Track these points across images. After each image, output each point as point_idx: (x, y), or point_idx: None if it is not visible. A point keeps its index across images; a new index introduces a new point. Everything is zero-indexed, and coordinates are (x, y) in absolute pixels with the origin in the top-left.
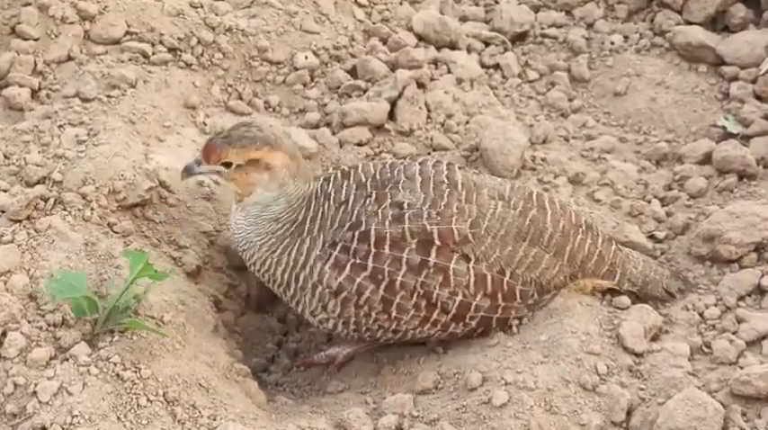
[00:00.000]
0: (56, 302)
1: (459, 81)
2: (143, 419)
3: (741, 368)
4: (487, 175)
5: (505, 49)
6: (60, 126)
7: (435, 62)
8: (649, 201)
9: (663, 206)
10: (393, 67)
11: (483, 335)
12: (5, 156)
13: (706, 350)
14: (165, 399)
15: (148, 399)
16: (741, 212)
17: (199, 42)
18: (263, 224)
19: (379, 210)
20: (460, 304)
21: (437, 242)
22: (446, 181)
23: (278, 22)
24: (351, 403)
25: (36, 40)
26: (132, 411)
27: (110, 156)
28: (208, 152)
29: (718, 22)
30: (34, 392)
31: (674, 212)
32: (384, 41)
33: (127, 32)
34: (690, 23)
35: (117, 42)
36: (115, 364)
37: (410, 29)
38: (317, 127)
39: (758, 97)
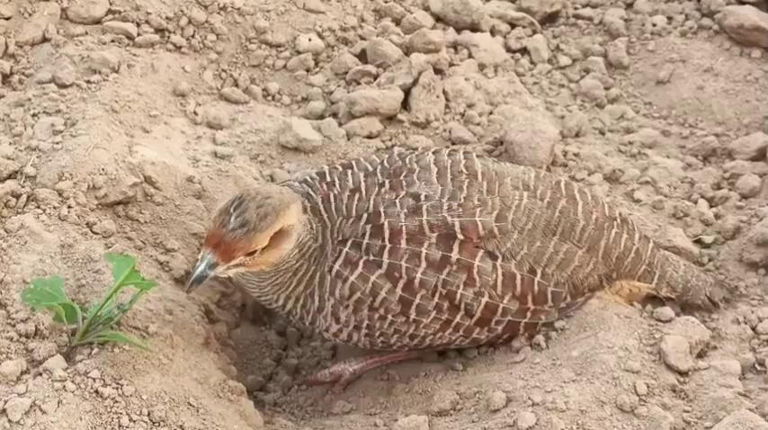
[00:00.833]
0: (36, 311)
1: (482, 67)
2: None
3: None
4: (508, 163)
5: (534, 32)
6: (34, 115)
7: (455, 45)
8: (696, 202)
9: (711, 207)
10: (407, 50)
11: (508, 342)
12: None
13: (759, 368)
14: (150, 419)
15: (131, 419)
16: None
17: (189, 22)
18: (279, 275)
19: (397, 200)
20: (486, 306)
21: (459, 236)
22: (465, 171)
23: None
24: (358, 425)
25: (7, 18)
26: None
27: (89, 148)
28: (229, 250)
29: None
30: (3, 410)
31: (724, 214)
32: (397, 22)
33: (109, 11)
34: (742, 3)
35: (98, 22)
36: (94, 380)
37: (427, 8)
38: (321, 117)
39: None
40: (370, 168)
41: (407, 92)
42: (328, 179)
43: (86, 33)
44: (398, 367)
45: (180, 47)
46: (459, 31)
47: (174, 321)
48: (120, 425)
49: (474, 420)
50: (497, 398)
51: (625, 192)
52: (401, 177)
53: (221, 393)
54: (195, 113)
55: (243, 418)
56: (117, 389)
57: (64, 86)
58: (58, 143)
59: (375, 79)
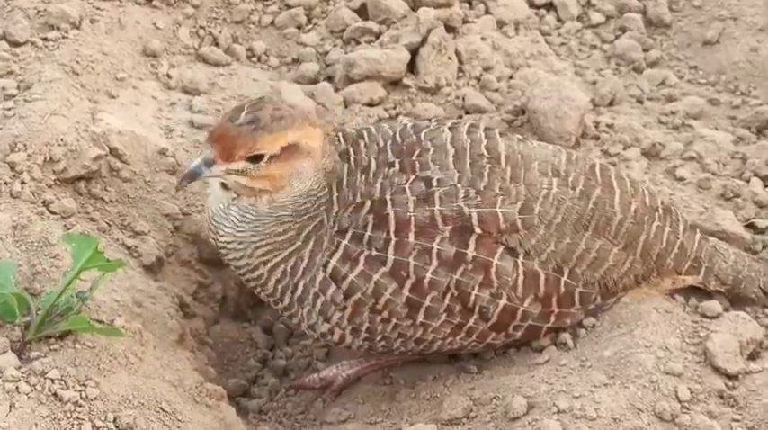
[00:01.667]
0: None
1: (501, 24)
2: None
3: None
4: (536, 143)
5: None
6: None
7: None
8: (748, 180)
9: (765, 187)
10: (414, 5)
11: (525, 343)
12: None
13: None
14: (117, 426)
15: (95, 426)
16: None
17: None
18: (268, 223)
19: (407, 186)
20: (504, 310)
21: (477, 229)
22: (486, 153)
23: None
24: None
25: None
26: None
27: (46, 115)
28: (229, 145)
29: None
30: None
31: None
32: None
33: None
34: None
35: None
36: (53, 381)
37: None
38: (314, 81)
39: None
40: (381, 142)
41: (414, 52)
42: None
43: None
44: (402, 370)
45: (151, 0)
46: None
47: (144, 314)
48: None
49: (490, 429)
50: (517, 404)
51: (666, 169)
52: (414, 157)
53: (198, 398)
54: (168, 76)
55: (223, 427)
56: (79, 391)
57: (17, 44)
58: (9, 109)
59: (377, 38)
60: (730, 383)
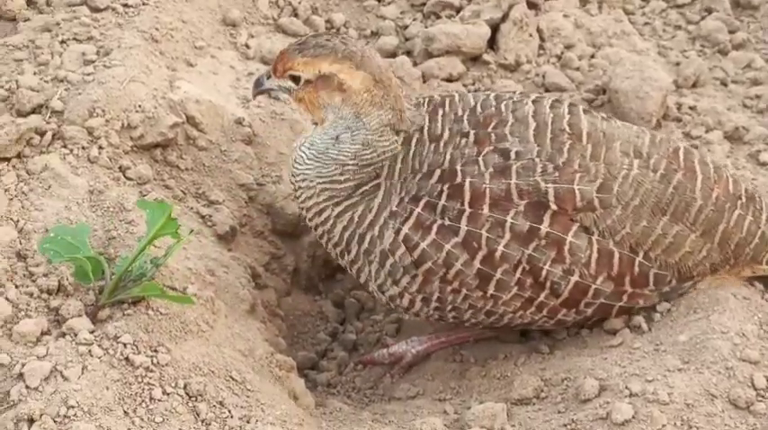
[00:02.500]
0: (60, 263)
1: (584, 2)
2: (157, 416)
3: None
4: (620, 123)
5: None
6: (63, 41)
7: None
8: None
9: None
10: None
11: (597, 325)
12: None
13: None
14: (186, 393)
15: (165, 392)
16: None
17: None
18: (329, 164)
19: (480, 158)
20: (576, 286)
21: (553, 206)
22: (568, 129)
23: None
24: (425, 412)
25: None
26: (144, 405)
27: (124, 81)
28: (276, 61)
29: None
30: (20, 374)
31: None
32: None
33: None
34: None
35: None
36: (125, 345)
37: None
38: (393, 55)
39: None
40: (460, 112)
41: (495, 28)
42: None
43: None
44: (473, 348)
45: None
46: None
47: (217, 283)
48: (151, 398)
49: (560, 410)
50: (589, 386)
51: (749, 153)
52: (489, 128)
53: (268, 368)
54: (247, 46)
55: (292, 398)
56: (150, 357)
57: (97, 10)
58: (89, 74)
59: (458, 12)
60: None
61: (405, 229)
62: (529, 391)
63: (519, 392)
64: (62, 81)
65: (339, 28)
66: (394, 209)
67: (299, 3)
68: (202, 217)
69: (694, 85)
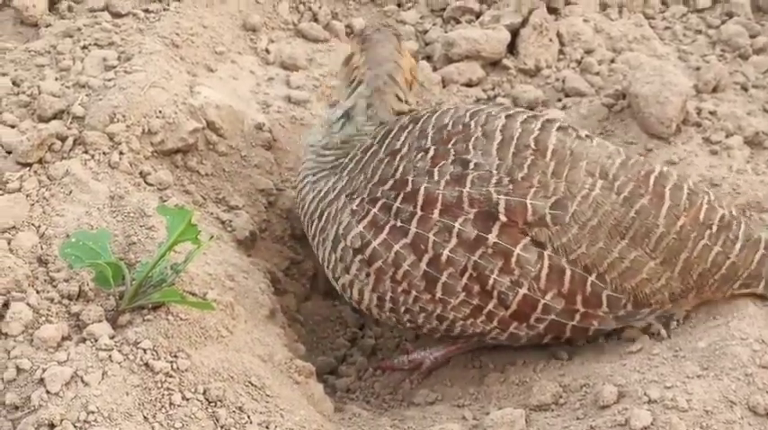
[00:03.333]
0: (80, 268)
1: (604, 6)
2: (176, 421)
3: None
4: (597, 142)
5: None
6: (84, 47)
7: None
8: None
9: None
10: None
11: (554, 343)
12: (14, 83)
13: None
14: (206, 398)
15: (184, 397)
16: None
17: None
18: (317, 148)
19: (435, 169)
20: (524, 299)
21: (502, 217)
22: (533, 145)
23: None
24: (444, 418)
25: None
26: (163, 410)
27: (145, 86)
28: None
29: None
30: (41, 379)
31: None
32: None
33: None
34: None
35: None
36: (145, 351)
37: None
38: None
39: None
40: (429, 129)
41: (515, 33)
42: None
43: None
44: (492, 354)
45: None
46: None
47: (236, 289)
48: (171, 403)
49: (579, 417)
50: (607, 392)
51: None
52: (449, 145)
53: (287, 373)
54: (267, 51)
55: (311, 403)
56: (170, 362)
57: (119, 15)
58: (110, 80)
59: (477, 17)
60: None
61: (359, 227)
62: (548, 397)
63: (538, 398)
64: (83, 86)
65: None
66: (354, 207)
67: (320, 8)
68: (222, 222)
69: (714, 90)
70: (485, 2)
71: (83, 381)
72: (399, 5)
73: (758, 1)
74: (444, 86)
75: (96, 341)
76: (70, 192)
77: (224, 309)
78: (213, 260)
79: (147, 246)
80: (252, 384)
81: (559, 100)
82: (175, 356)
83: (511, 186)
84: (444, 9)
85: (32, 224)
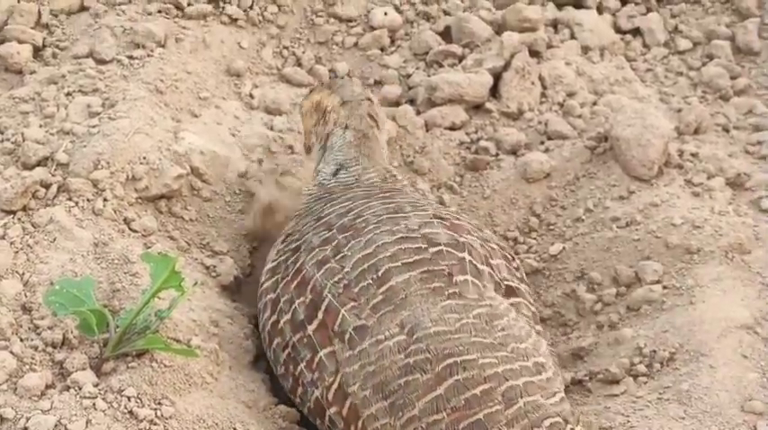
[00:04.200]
0: (65, 316)
1: (586, 49)
2: None
3: None
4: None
5: (648, 9)
6: (68, 94)
7: (555, 24)
8: None
9: None
10: (499, 28)
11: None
12: None
13: None
14: None
15: None
16: None
17: None
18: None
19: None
20: (316, 402)
21: (320, 314)
22: (376, 275)
23: None
24: None
25: None
26: None
27: (129, 133)
28: None
29: None
30: (25, 429)
31: None
32: None
33: None
34: None
35: None
36: (129, 399)
37: None
38: (396, 104)
39: None
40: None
41: (497, 77)
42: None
43: (130, 2)
44: None
45: (236, 19)
46: (560, 6)
47: (221, 334)
48: None
49: None
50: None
51: (751, 200)
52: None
53: (272, 419)
54: (251, 96)
55: None
56: (155, 410)
57: (103, 62)
58: (94, 127)
59: (460, 61)
60: None
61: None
62: None
63: None
64: (68, 133)
65: (343, 77)
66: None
67: (303, 53)
68: (207, 267)
69: (696, 132)
70: (467, 46)
71: None
72: (382, 50)
73: (738, 43)
74: (428, 130)
75: (80, 389)
76: (54, 239)
77: (208, 356)
78: (197, 306)
79: (132, 292)
80: None
81: (542, 143)
82: (159, 403)
83: (341, 291)
84: (427, 53)
85: (16, 271)
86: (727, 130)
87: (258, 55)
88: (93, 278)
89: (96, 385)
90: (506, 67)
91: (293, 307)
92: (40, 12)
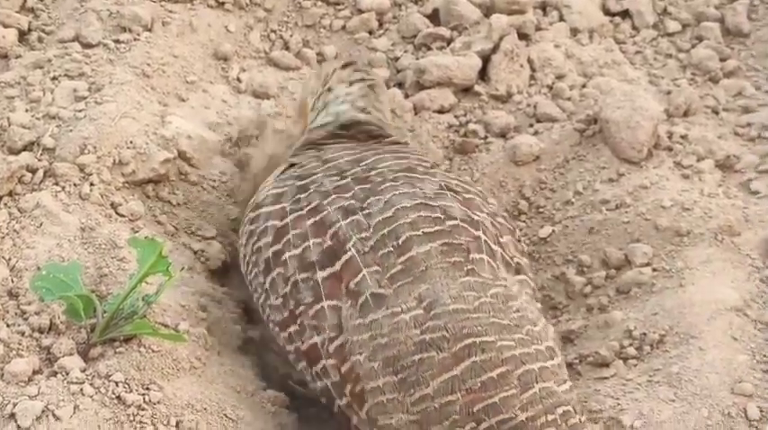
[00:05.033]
0: (52, 301)
1: (575, 32)
2: None
3: None
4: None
5: None
6: (54, 78)
7: (543, 6)
8: None
9: None
10: (487, 11)
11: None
12: None
13: None
14: None
15: None
16: None
17: None
18: None
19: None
20: (312, 347)
21: (338, 265)
22: (396, 243)
23: None
24: None
25: None
26: None
27: (116, 117)
28: None
29: None
30: (12, 415)
31: None
32: None
33: None
34: None
35: None
36: (116, 384)
37: None
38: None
39: None
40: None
41: (486, 59)
42: None
43: None
44: None
45: (223, 3)
46: None
47: (209, 319)
48: None
49: None
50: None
51: (740, 182)
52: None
53: (260, 404)
54: (239, 80)
55: None
56: (143, 395)
57: (89, 46)
58: (80, 111)
59: (449, 44)
60: None
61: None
62: None
63: None
64: (54, 118)
65: (330, 60)
66: None
67: (291, 36)
68: (195, 252)
69: (685, 114)
70: (456, 28)
71: (54, 416)
72: (370, 33)
73: (728, 25)
74: (416, 113)
75: (68, 375)
76: (41, 224)
77: (196, 341)
78: (186, 291)
79: (119, 277)
80: (226, 416)
81: (531, 125)
82: (147, 388)
83: (367, 250)
84: (415, 36)
85: (2, 257)
86: (716, 112)
87: (245, 38)
88: (80, 263)
89: (84, 370)
90: (495, 49)
91: (306, 244)
92: None
